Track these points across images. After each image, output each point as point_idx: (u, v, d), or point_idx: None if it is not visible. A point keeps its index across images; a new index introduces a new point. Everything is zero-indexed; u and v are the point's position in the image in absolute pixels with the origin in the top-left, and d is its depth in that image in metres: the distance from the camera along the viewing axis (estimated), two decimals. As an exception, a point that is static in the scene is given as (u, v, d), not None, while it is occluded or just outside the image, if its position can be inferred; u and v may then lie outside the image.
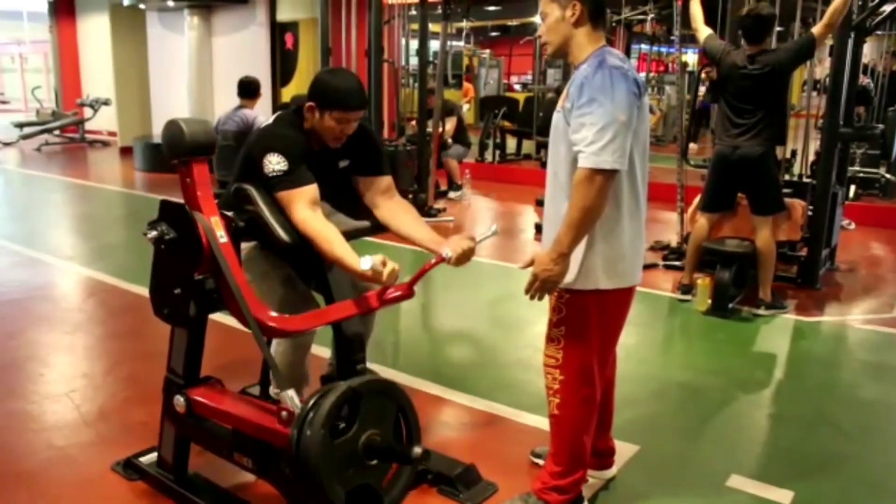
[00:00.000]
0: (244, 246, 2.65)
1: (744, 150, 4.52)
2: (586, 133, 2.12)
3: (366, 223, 2.72)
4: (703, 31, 4.82)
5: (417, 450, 2.11)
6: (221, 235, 2.34)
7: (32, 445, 2.95)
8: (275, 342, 2.66)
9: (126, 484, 2.68)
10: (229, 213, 2.48)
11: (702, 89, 8.13)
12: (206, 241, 2.29)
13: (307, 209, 2.44)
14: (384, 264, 2.30)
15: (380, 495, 2.16)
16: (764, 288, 4.72)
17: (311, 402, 2.06)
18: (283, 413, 2.12)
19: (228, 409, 2.40)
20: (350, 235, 2.69)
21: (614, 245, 2.29)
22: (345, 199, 2.73)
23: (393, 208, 2.74)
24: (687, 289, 4.94)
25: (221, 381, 2.60)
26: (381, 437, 2.13)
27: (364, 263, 2.27)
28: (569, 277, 2.25)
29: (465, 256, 2.50)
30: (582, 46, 2.28)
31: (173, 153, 2.38)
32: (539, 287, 2.25)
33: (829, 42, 4.93)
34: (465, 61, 16.68)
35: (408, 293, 2.57)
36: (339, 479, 2.04)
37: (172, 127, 2.38)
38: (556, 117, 2.30)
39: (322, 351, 3.39)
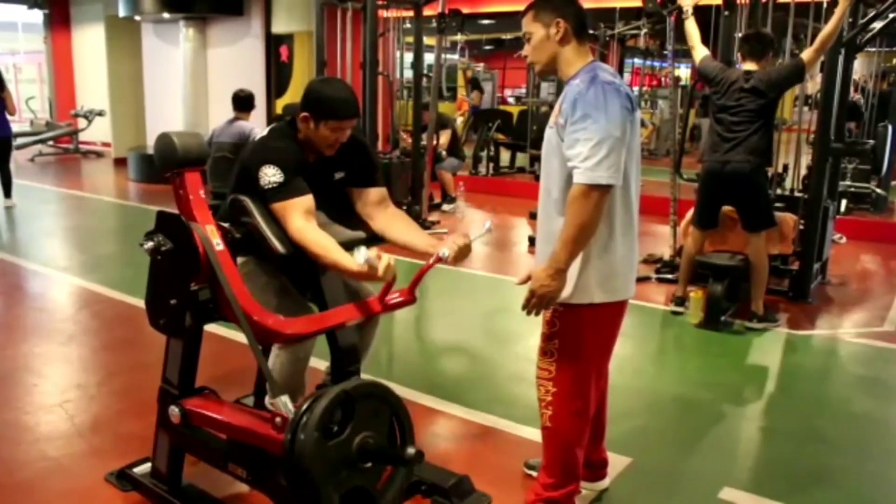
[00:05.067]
0: (239, 261, 2.66)
1: (734, 166, 4.54)
2: (581, 149, 2.14)
3: (361, 233, 2.74)
4: (700, 51, 4.84)
5: (411, 450, 2.12)
6: (218, 243, 2.36)
7: (26, 456, 2.95)
8: (273, 354, 2.66)
9: (120, 494, 2.68)
10: (226, 225, 2.50)
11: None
12: (202, 250, 2.30)
13: (302, 219, 2.45)
14: (379, 258, 2.29)
15: (375, 498, 2.16)
16: (756, 301, 4.75)
17: (305, 405, 2.07)
18: (278, 419, 2.13)
19: (223, 418, 2.41)
20: (346, 246, 2.71)
21: (609, 260, 2.31)
22: (340, 210, 2.74)
23: (388, 218, 2.75)
24: (680, 301, 4.97)
25: (216, 391, 2.61)
26: (374, 439, 2.14)
27: (358, 257, 2.25)
28: (565, 292, 2.27)
29: (461, 254, 2.47)
30: (570, 62, 2.31)
31: (165, 165, 2.43)
32: (537, 303, 2.26)
33: (821, 59, 4.98)
34: (461, 75, 16.72)
35: (409, 298, 2.58)
36: (334, 481, 2.05)
37: (164, 139, 2.43)
38: (549, 133, 2.32)
39: (318, 363, 3.39)
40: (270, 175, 2.47)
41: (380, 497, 2.18)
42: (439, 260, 2.43)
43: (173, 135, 2.42)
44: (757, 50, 4.59)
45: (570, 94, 2.22)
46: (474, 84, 15.01)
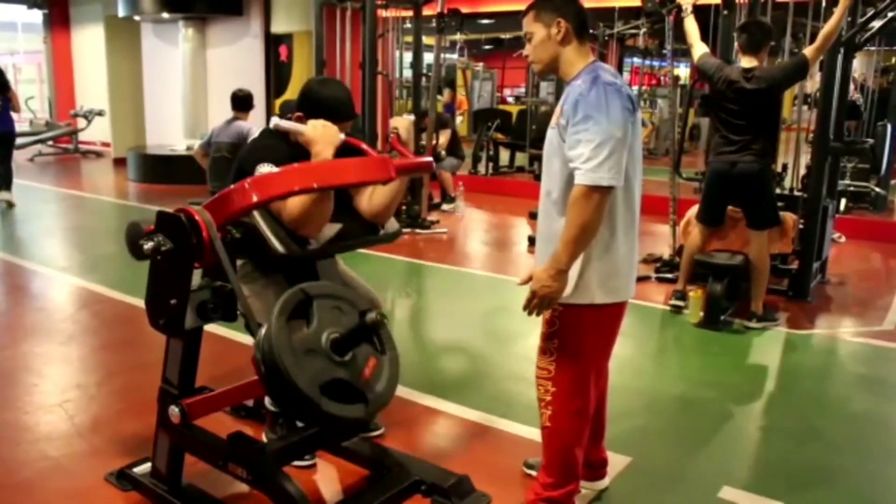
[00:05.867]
0: (238, 262, 2.66)
1: (743, 167, 4.52)
2: (583, 150, 2.14)
3: (337, 225, 2.73)
4: (699, 49, 4.81)
5: (371, 314, 2.18)
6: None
7: (26, 456, 2.95)
8: None
9: (120, 494, 2.68)
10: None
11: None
12: (206, 233, 2.30)
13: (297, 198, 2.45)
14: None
15: (362, 392, 2.20)
16: (756, 300, 4.74)
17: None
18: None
19: (220, 391, 2.49)
20: (335, 240, 2.72)
21: (610, 260, 2.31)
22: (337, 203, 2.74)
23: (373, 200, 2.78)
24: (681, 295, 4.96)
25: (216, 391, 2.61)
26: (342, 332, 2.19)
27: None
28: (565, 292, 2.27)
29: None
30: (572, 63, 2.31)
31: (136, 246, 2.46)
32: (538, 304, 2.27)
33: (821, 57, 4.99)
34: (460, 75, 16.71)
35: (427, 163, 2.74)
36: (309, 371, 2.09)
37: (132, 227, 2.47)
38: (551, 133, 2.32)
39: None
40: (267, 173, 2.48)
41: (367, 389, 2.22)
42: (397, 137, 2.66)
43: (140, 221, 2.47)
44: (756, 41, 4.51)
45: (572, 94, 2.22)
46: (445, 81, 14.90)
